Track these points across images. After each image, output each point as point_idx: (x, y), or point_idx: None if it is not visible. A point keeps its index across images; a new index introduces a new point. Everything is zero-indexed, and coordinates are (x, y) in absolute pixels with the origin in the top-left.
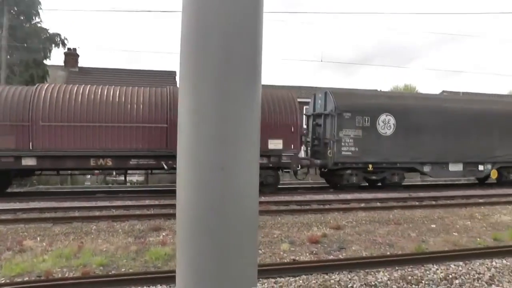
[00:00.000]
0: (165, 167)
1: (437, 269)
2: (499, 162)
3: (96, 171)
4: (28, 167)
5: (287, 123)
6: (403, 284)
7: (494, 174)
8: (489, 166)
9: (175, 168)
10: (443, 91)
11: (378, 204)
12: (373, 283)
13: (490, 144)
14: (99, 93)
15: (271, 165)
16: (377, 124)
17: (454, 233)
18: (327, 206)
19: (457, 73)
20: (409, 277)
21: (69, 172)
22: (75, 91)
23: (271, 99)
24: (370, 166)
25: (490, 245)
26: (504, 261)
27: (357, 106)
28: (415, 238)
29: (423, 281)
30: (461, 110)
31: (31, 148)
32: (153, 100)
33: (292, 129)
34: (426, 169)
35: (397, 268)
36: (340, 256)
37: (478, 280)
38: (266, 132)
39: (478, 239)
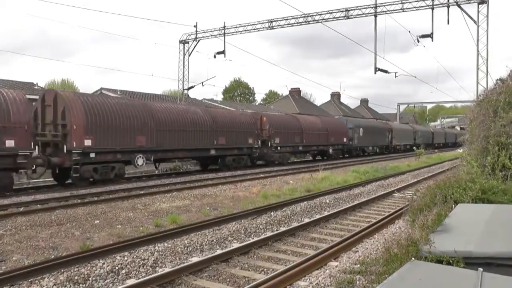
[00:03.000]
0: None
1: (104, 263)
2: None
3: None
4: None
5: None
6: (71, 286)
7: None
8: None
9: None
10: (101, 88)
11: (39, 206)
12: None
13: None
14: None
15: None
16: (360, 131)
17: (118, 226)
18: None
19: (115, 71)
20: (76, 277)
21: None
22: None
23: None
24: (358, 148)
25: (152, 231)
26: (166, 244)
27: (356, 125)
28: (80, 237)
29: (90, 278)
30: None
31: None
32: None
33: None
34: (367, 149)
35: (63, 270)
36: None
37: (143, 266)
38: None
39: (141, 227)
